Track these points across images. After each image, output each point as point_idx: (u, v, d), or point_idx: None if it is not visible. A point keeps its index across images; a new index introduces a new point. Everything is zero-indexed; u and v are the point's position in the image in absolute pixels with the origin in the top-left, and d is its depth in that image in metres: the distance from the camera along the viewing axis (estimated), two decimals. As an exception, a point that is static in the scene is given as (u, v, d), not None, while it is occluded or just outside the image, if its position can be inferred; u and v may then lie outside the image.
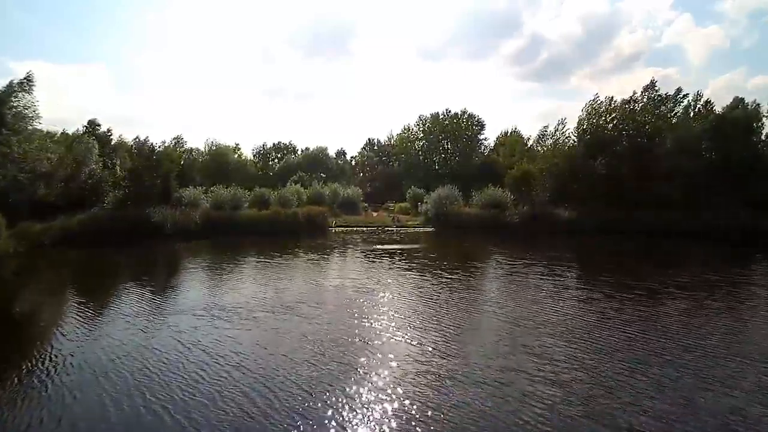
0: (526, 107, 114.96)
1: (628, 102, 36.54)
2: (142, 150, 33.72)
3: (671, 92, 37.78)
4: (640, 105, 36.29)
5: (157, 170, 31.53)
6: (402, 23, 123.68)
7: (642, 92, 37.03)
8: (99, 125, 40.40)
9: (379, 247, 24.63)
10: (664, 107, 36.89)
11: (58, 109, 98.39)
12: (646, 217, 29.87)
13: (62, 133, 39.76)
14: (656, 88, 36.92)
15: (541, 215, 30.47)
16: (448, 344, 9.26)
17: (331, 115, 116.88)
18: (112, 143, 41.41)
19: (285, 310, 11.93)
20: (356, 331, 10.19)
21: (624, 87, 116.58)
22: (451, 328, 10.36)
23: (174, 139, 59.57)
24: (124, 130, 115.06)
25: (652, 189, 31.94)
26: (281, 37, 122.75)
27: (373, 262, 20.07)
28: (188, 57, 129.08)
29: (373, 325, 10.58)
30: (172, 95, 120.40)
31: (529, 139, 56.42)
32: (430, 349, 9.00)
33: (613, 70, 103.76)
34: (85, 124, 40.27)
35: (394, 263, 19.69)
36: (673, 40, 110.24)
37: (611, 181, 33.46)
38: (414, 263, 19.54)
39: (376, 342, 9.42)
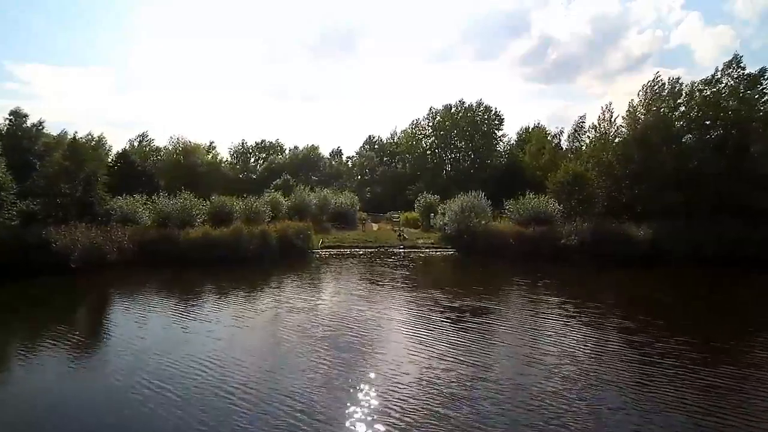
0: (533, 108, 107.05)
1: (707, 83, 27.95)
2: (73, 147, 25.30)
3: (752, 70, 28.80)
4: (723, 87, 27.68)
5: (79, 173, 23.00)
6: (411, 24, 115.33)
7: (722, 70, 28.31)
8: (26, 116, 31.67)
9: (388, 300, 15.85)
10: (750, 91, 28.06)
11: (59, 111, 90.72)
12: (754, 236, 21.28)
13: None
14: (742, 65, 28.15)
15: (606, 235, 21.77)
16: None
17: (336, 117, 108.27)
18: (46, 139, 32.88)
19: None
20: None
21: (632, 88, 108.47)
22: None
23: (139, 136, 51.43)
24: (124, 131, 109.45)
25: (750, 199, 23.46)
26: (287, 38, 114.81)
27: (384, 337, 11.42)
28: (190, 57, 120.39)
29: None
30: (174, 96, 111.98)
31: (561, 132, 47.98)
32: None
33: (621, 71, 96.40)
34: (7, 116, 31.49)
35: (420, 337, 11.05)
36: (682, 41, 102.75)
37: (687, 188, 25.01)
38: (459, 339, 10.87)
39: None
